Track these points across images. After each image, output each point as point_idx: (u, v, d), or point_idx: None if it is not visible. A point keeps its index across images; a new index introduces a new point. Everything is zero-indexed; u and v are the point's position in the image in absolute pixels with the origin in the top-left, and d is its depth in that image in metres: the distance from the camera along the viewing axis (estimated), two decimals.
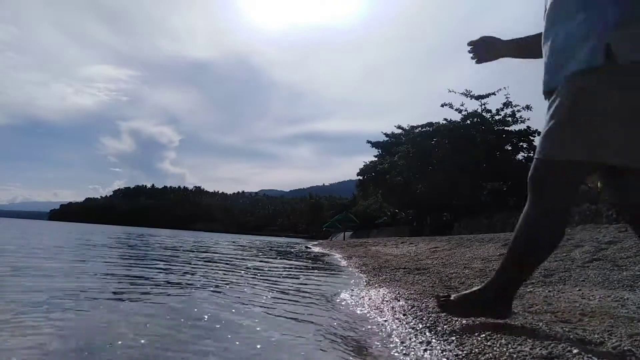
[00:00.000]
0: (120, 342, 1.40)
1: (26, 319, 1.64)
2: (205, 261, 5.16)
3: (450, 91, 20.25)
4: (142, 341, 1.42)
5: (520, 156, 19.87)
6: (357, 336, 1.68)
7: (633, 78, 1.16)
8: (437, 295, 1.66)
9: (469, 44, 1.71)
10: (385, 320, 1.89)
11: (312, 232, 76.20)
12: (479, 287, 1.53)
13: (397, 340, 1.56)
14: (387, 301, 2.34)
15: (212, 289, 2.76)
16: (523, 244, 1.41)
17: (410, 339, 1.54)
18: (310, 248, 13.02)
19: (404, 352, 1.43)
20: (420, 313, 1.90)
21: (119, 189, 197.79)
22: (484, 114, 19.83)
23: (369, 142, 26.75)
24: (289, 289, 2.96)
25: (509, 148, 19.65)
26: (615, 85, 1.18)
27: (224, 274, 3.71)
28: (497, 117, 19.69)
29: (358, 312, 2.18)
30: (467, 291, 1.59)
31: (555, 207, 1.36)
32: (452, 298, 1.58)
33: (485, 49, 1.69)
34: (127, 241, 9.57)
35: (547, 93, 1.37)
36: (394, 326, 1.77)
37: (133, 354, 1.29)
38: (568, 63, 1.28)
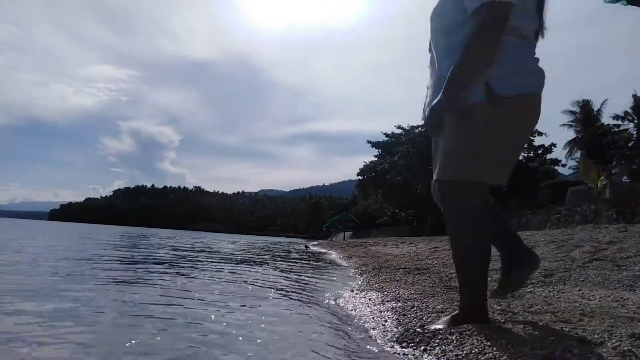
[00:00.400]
0: (134, 342, 1.40)
1: (47, 316, 1.64)
2: (209, 262, 5.16)
3: None
4: (158, 338, 1.43)
5: (520, 156, 19.93)
6: (355, 336, 1.68)
7: (506, 111, 1.38)
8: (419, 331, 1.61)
9: None
10: (385, 321, 1.89)
11: (312, 232, 76.23)
12: (457, 311, 1.61)
13: (396, 340, 1.56)
14: (387, 301, 2.34)
15: (214, 291, 2.75)
16: (454, 256, 1.57)
17: (409, 338, 1.54)
18: (310, 248, 13.03)
19: (403, 352, 1.43)
20: (420, 313, 1.90)
21: (119, 189, 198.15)
22: None
23: (369, 142, 26.76)
24: (289, 290, 2.96)
25: None
26: (491, 118, 1.39)
27: (228, 275, 3.71)
28: None
29: (357, 312, 2.18)
30: (448, 316, 1.64)
31: (461, 219, 1.51)
32: (437, 326, 1.58)
33: None
34: (132, 242, 9.58)
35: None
36: (394, 326, 1.77)
37: (145, 350, 1.30)
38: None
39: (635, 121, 24.30)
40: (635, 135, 20.86)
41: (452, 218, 1.53)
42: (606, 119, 25.45)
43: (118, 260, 4.58)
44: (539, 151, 19.50)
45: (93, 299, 2.14)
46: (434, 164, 1.59)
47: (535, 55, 1.48)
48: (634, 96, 23.96)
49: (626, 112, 24.50)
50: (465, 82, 1.39)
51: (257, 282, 3.24)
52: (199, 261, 5.12)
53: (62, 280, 2.77)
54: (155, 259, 5.03)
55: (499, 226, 1.61)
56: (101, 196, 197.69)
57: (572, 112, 27.05)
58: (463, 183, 1.46)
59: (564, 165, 23.61)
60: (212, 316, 1.89)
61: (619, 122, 24.40)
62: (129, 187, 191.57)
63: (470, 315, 1.53)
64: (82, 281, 2.77)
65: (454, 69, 1.39)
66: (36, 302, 1.97)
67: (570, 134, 27.30)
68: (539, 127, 19.40)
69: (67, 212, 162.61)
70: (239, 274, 3.87)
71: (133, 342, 1.40)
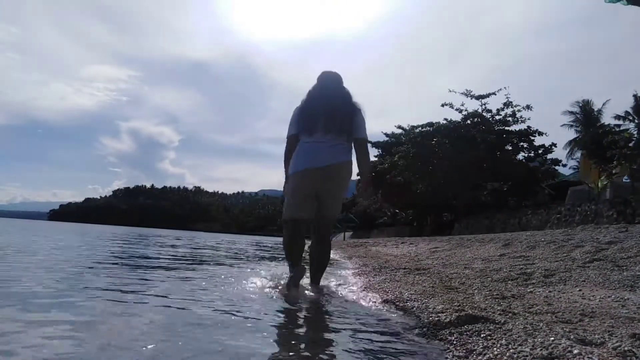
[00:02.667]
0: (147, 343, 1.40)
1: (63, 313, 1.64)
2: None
3: (450, 91, 20.25)
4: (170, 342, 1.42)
5: (520, 156, 19.88)
6: (358, 334, 1.68)
7: (291, 179, 2.71)
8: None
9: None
10: (388, 320, 1.89)
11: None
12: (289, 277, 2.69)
13: (397, 338, 1.56)
14: (390, 301, 2.33)
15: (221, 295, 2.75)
16: (284, 250, 2.84)
17: (410, 338, 1.54)
18: None
19: (404, 351, 1.43)
20: (421, 314, 1.90)
21: (118, 189, 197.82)
22: (484, 113, 19.81)
23: (369, 142, 26.69)
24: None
25: (510, 148, 19.65)
26: (291, 184, 2.72)
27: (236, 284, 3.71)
28: (497, 117, 19.69)
29: (364, 310, 2.18)
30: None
31: (291, 237, 2.74)
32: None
33: None
34: (142, 242, 9.57)
35: None
36: (396, 325, 1.77)
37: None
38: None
39: (636, 121, 24.28)
40: (635, 135, 20.86)
41: (284, 230, 2.81)
42: (607, 119, 25.47)
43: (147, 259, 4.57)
44: (540, 151, 19.44)
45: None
46: None
47: (317, 143, 2.65)
48: (635, 96, 23.95)
49: (627, 112, 24.50)
50: (286, 166, 2.79)
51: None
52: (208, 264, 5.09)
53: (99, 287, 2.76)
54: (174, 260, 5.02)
55: (314, 247, 2.89)
56: (101, 196, 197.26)
57: (572, 113, 27.07)
58: (284, 220, 2.77)
59: (564, 165, 23.61)
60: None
61: (620, 122, 24.41)
62: (128, 187, 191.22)
63: (292, 282, 2.59)
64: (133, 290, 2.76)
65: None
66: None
67: (571, 134, 27.32)
68: (538, 125, 19.41)
69: (67, 212, 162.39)
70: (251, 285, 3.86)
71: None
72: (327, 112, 2.65)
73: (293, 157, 2.68)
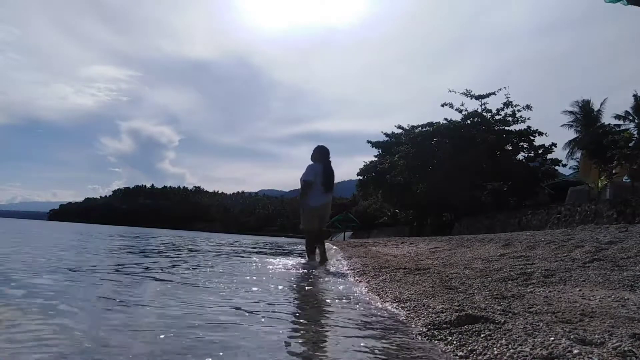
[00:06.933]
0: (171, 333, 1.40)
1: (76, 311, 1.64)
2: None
3: (450, 91, 20.24)
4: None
5: (520, 156, 19.87)
6: (368, 334, 1.68)
7: (310, 209, 5.45)
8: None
9: None
10: (388, 319, 1.89)
11: None
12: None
13: (398, 338, 1.56)
14: (392, 301, 2.33)
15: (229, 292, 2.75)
16: (306, 244, 6.00)
17: (410, 338, 1.54)
18: None
19: (402, 351, 1.43)
20: (422, 313, 1.90)
21: (118, 189, 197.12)
22: (484, 113, 19.80)
23: (369, 142, 26.69)
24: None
25: (510, 148, 19.64)
26: (307, 211, 5.50)
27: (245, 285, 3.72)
28: (497, 117, 19.68)
29: (371, 311, 2.18)
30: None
31: (311, 240, 5.82)
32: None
33: None
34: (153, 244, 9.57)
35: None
36: (396, 325, 1.77)
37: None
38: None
39: (636, 121, 24.28)
40: (635, 135, 20.87)
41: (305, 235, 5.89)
42: (607, 119, 25.47)
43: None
44: (540, 151, 19.43)
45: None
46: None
47: (324, 192, 5.42)
48: (635, 96, 23.94)
49: (627, 112, 24.49)
50: (302, 200, 5.47)
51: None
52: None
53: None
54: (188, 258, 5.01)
55: (320, 238, 5.67)
56: (100, 196, 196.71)
57: (572, 113, 27.05)
58: (305, 230, 5.68)
59: (564, 165, 23.59)
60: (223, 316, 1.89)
61: (620, 122, 24.41)
62: (128, 187, 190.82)
63: (309, 257, 5.81)
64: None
65: (300, 194, 5.52)
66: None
67: (571, 134, 27.30)
68: (538, 125, 19.45)
69: (67, 212, 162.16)
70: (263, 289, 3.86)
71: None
72: (327, 177, 5.39)
73: (311, 196, 5.27)
